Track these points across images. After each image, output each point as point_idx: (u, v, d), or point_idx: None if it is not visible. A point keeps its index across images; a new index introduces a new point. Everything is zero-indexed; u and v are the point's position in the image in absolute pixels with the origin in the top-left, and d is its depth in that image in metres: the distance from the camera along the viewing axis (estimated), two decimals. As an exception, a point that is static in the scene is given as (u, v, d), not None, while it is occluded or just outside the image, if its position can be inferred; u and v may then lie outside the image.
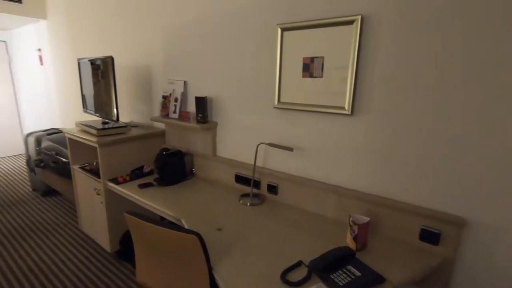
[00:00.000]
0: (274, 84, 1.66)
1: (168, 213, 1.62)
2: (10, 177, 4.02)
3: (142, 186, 1.96)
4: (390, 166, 1.34)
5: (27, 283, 2.00)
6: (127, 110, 2.80)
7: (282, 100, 1.62)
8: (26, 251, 2.34)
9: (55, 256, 2.29)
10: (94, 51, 3.02)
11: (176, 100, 2.17)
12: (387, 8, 1.23)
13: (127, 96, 2.76)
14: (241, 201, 1.73)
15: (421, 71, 1.20)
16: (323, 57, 1.43)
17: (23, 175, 4.10)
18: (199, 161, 2.18)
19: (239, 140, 1.93)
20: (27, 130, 5.13)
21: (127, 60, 2.67)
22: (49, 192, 3.43)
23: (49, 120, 4.36)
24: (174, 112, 2.16)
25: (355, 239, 1.24)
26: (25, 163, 4.65)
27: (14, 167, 4.51)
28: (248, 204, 1.70)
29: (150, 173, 2.21)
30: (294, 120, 1.63)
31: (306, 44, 1.47)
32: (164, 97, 2.23)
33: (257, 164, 1.78)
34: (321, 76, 1.45)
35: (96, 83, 2.26)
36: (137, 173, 2.16)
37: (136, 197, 1.83)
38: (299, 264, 1.14)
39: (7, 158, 5.02)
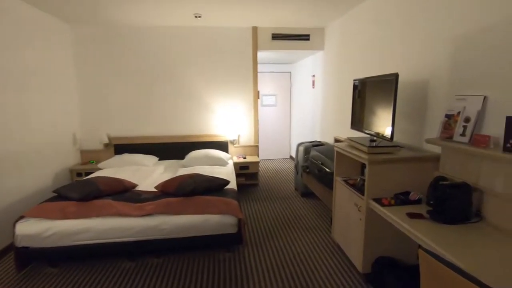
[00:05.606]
0: None
1: (456, 262, 1.28)
2: (280, 175, 5.21)
3: (411, 215, 1.73)
4: None
5: (288, 269, 2.37)
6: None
7: None
8: (289, 241, 2.82)
9: (309, 254, 2.58)
10: (364, 71, 3.18)
11: (467, 120, 1.75)
12: None
13: (392, 115, 2.65)
14: None
15: None
16: None
17: (288, 176, 5.17)
18: (493, 203, 1.63)
19: None
20: (293, 140, 6.47)
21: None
22: (307, 194, 4.05)
23: (310, 132, 5.21)
24: (463, 134, 1.76)
25: None
26: (292, 166, 5.85)
27: (283, 167, 5.82)
28: None
29: (417, 201, 1.93)
30: None
31: None
32: (449, 116, 1.88)
33: None
34: None
35: (371, 101, 2.32)
36: (402, 199, 1.96)
37: (406, 226, 1.63)
38: None
39: (278, 160, 6.59)
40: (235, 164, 4.23)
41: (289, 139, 6.70)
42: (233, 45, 4.26)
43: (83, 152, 4.17)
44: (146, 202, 2.49)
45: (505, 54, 1.58)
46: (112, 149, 4.23)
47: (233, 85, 4.39)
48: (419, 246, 1.03)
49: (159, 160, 4.27)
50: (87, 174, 3.75)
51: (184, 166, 3.83)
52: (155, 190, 2.78)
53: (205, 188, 2.59)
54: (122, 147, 4.22)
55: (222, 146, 4.47)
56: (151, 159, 4.03)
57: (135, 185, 2.88)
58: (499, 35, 1.61)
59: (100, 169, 3.71)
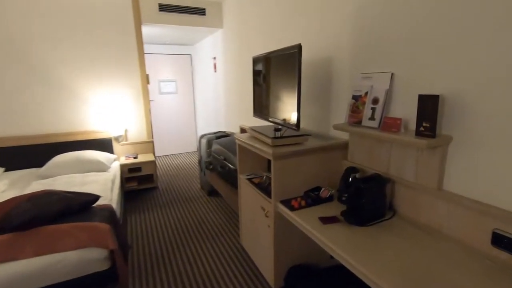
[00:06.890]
0: None
1: (371, 277, 0.98)
2: (185, 172, 4.57)
3: (325, 220, 1.42)
4: None
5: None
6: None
7: None
8: (191, 258, 2.30)
9: (214, 272, 2.12)
10: (266, 51, 2.82)
11: (375, 101, 1.52)
12: None
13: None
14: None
15: None
16: None
17: (194, 172, 4.58)
18: (405, 193, 1.45)
19: (509, 173, 1.08)
20: (199, 131, 5.87)
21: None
22: (213, 192, 3.57)
23: (215, 122, 4.71)
24: (372, 118, 1.52)
25: None
26: (197, 162, 5.25)
27: (189, 162, 5.17)
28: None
29: (329, 199, 1.66)
30: None
31: None
32: (356, 97, 1.63)
33: None
34: None
35: (273, 82, 1.93)
36: (313, 197, 1.66)
37: (319, 236, 1.30)
38: None
39: (184, 154, 5.89)
40: (123, 166, 3.40)
41: (195, 129, 6.06)
42: (106, 15, 3.31)
43: None
44: None
45: (407, 24, 1.37)
46: None
47: (112, 68, 3.46)
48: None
49: (5, 171, 3.05)
50: None
51: (43, 178, 2.80)
52: (-31, 225, 1.79)
53: (56, 213, 1.78)
54: None
55: (105, 145, 3.53)
56: (-11, 172, 2.82)
57: None
58: (400, 2, 1.39)
59: None
